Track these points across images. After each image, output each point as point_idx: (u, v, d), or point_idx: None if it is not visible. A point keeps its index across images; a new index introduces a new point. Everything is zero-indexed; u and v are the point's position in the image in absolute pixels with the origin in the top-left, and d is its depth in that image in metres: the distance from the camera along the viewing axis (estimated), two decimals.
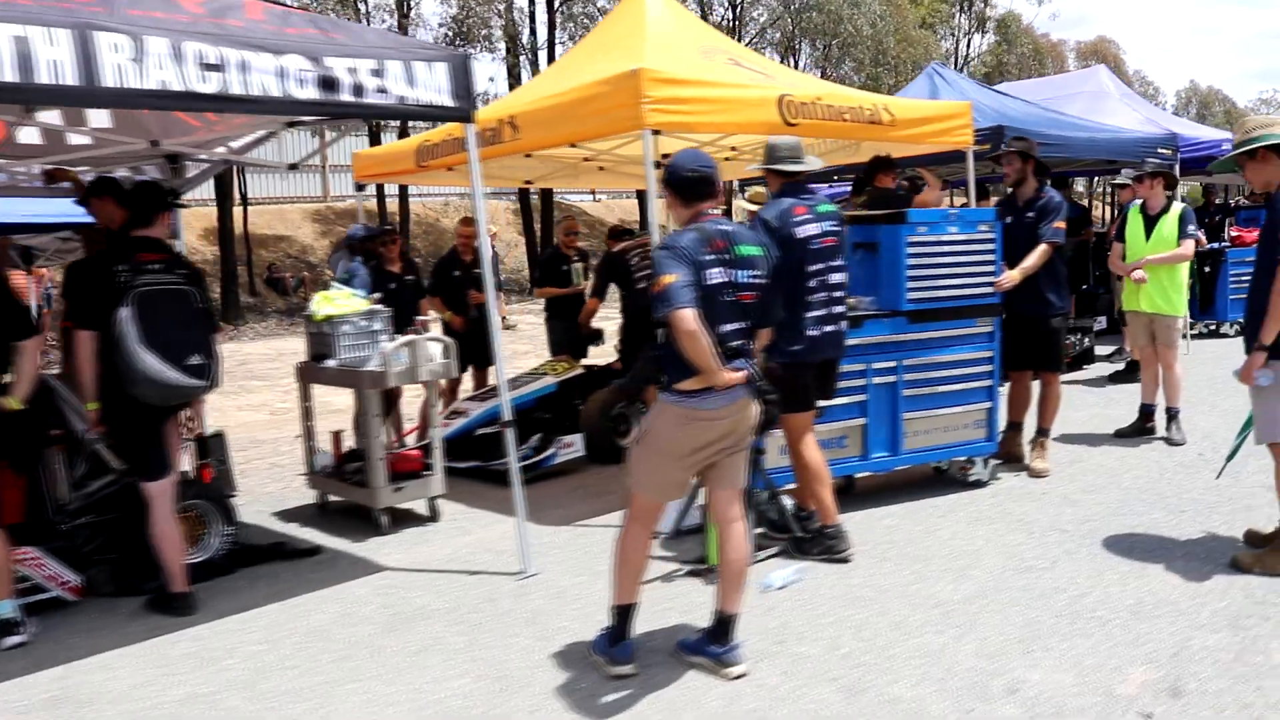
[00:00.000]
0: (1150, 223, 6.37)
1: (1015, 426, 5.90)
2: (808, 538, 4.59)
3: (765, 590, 4.28)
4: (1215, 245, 10.84)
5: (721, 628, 3.58)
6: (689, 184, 3.46)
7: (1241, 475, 5.45)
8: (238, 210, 14.51)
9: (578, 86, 5.31)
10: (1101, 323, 10.16)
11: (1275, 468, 4.25)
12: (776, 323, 3.69)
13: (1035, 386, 5.91)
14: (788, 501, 4.69)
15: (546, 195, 16.55)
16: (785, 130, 5.39)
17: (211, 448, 6.54)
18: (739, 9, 20.84)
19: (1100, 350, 9.70)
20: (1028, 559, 4.52)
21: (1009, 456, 5.83)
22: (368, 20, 16.87)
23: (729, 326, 3.38)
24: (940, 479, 5.67)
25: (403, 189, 15.53)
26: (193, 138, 5.59)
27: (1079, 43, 46.44)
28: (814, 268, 4.41)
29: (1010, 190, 5.77)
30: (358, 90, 4.16)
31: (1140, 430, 6.51)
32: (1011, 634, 3.77)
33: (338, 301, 5.64)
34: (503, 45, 17.19)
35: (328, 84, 4.06)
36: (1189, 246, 6.27)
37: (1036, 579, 4.28)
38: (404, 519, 5.62)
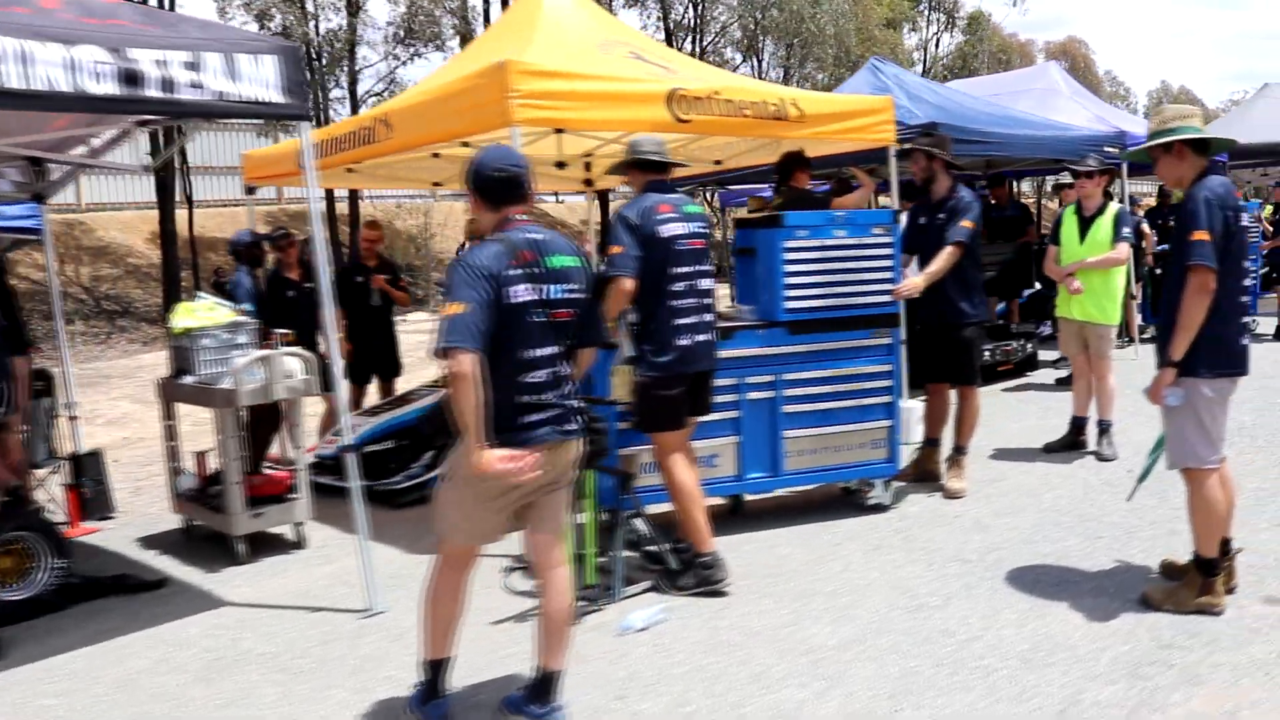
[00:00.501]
0: (1085, 224, 5.86)
1: (932, 443, 5.43)
2: (679, 570, 4.13)
3: (624, 633, 3.82)
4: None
5: (543, 686, 3.11)
6: (495, 186, 2.99)
7: (1168, 496, 4.97)
8: (182, 212, 14.04)
9: (449, 81, 4.86)
10: (1046, 328, 9.68)
11: (1188, 494, 3.79)
12: (601, 342, 3.22)
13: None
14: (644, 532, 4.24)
15: None
16: (675, 128, 4.95)
17: (86, 467, 6.11)
18: (700, 7, 20.42)
19: (1046, 355, 9.20)
20: (921, 595, 4.05)
21: (925, 475, 5.36)
22: (315, 20, 16.46)
23: (539, 351, 2.92)
24: (848, 500, 5.18)
25: (353, 191, 15.07)
26: (43, 137, 5.14)
27: (1048, 42, 45.89)
28: (681, 270, 3.97)
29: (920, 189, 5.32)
30: (167, 85, 3.69)
31: (1071, 444, 6.03)
32: (883, 688, 3.30)
33: (198, 313, 5.17)
34: (455, 45, 16.78)
35: (130, 78, 3.59)
36: (1123, 250, 5.76)
37: (925, 620, 3.81)
38: (270, 545, 5.15)
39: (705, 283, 4.08)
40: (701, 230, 4.08)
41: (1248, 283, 3.71)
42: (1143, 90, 61.77)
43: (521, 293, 2.88)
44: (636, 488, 4.22)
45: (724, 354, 4.48)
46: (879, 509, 4.93)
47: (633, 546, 4.34)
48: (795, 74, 21.76)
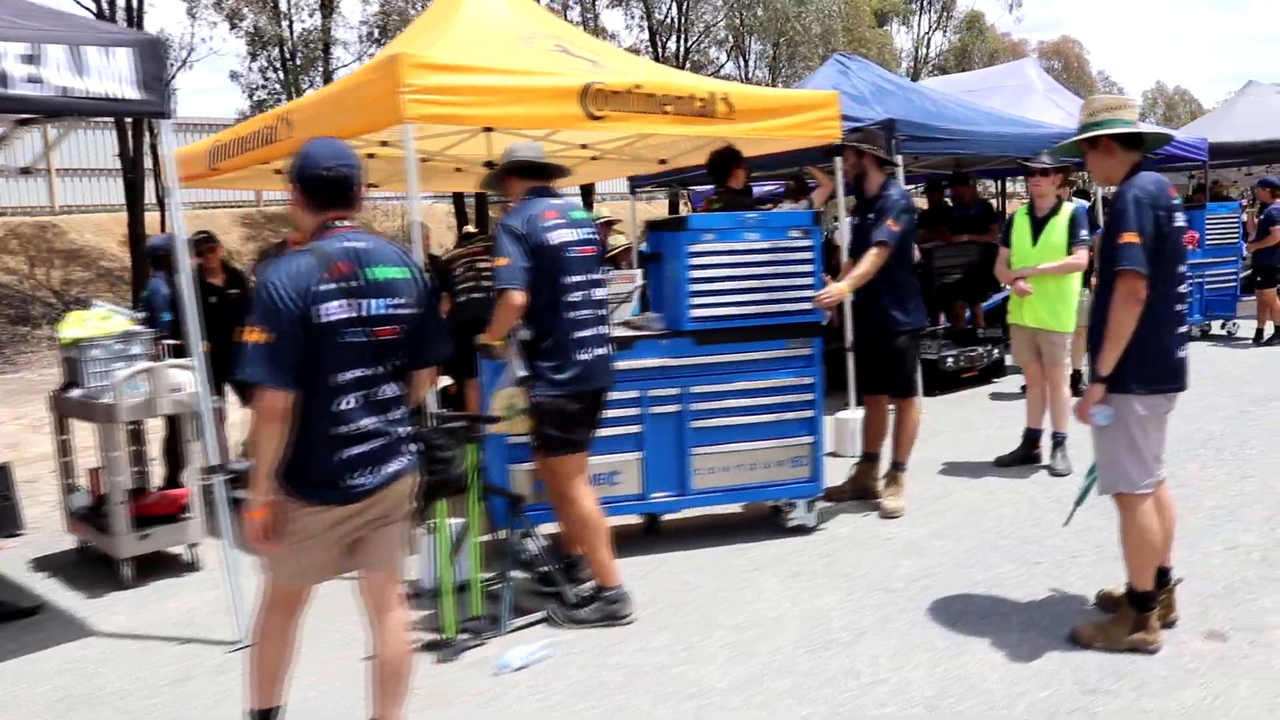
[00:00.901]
0: (1038, 226, 5.42)
1: (870, 458, 5.03)
2: (579, 602, 3.78)
3: (500, 672, 3.46)
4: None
5: None
6: (321, 185, 2.64)
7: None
8: (153, 215, 13.75)
9: (345, 77, 4.52)
10: None
11: (1120, 522, 3.41)
12: (441, 359, 2.87)
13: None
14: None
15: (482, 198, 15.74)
16: (589, 124, 4.59)
17: None
18: (684, 7, 19.97)
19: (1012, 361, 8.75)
20: (833, 629, 3.67)
21: (863, 492, 4.98)
22: (290, 20, 16.15)
23: (355, 373, 2.56)
24: (776, 522, 4.79)
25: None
26: None
27: (1042, 42, 45.12)
28: (574, 279, 3.62)
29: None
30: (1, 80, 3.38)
31: (1024, 458, 5.61)
32: None
33: (89, 323, 4.85)
34: None
35: None
36: (1081, 256, 5.29)
37: (831, 659, 3.44)
38: (164, 567, 4.81)
39: (599, 292, 3.73)
40: (591, 236, 3.72)
41: (1184, 289, 3.32)
42: (1138, 91, 60.93)
43: (334, 310, 2.52)
44: (526, 506, 3.88)
45: (624, 365, 4.14)
46: (803, 531, 4.55)
47: (525, 567, 4.00)
48: (783, 73, 21.34)
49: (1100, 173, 3.42)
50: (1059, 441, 5.43)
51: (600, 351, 3.70)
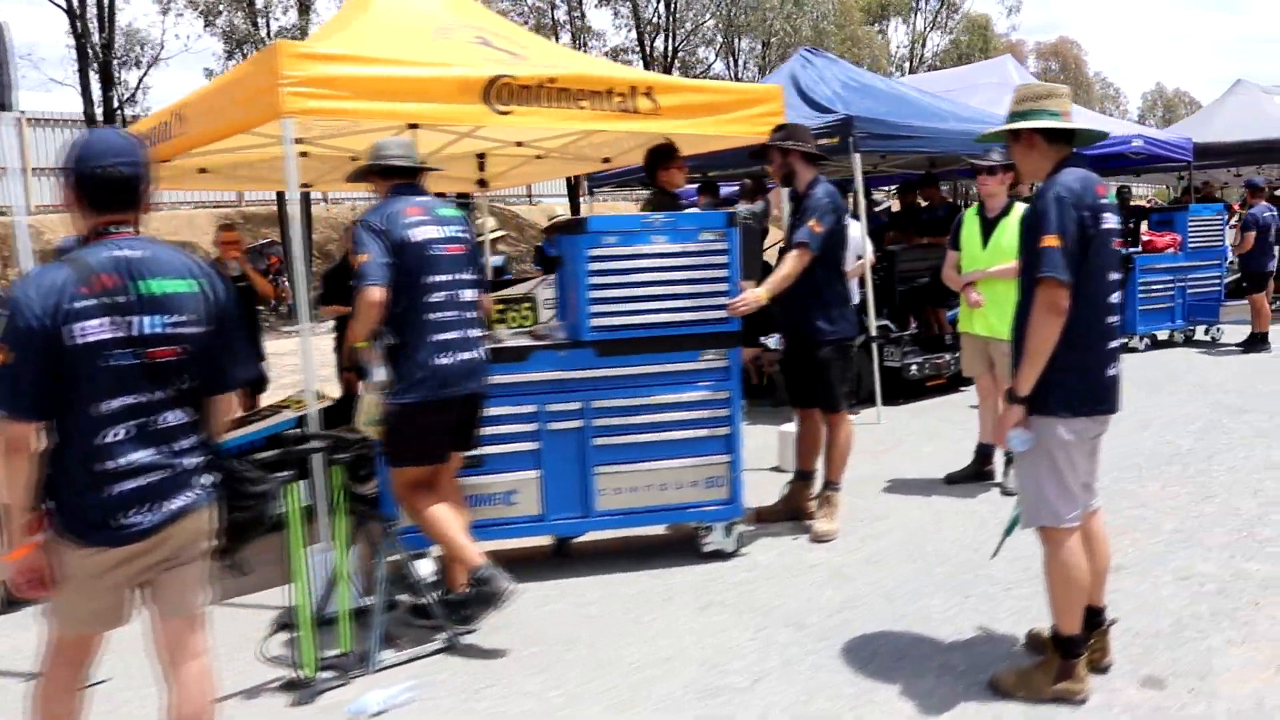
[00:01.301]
0: (988, 227, 4.99)
1: (804, 476, 4.61)
2: (460, 601, 3.50)
3: (354, 717, 3.10)
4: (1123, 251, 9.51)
5: None
6: (97, 185, 2.28)
7: None
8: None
9: (232, 69, 4.17)
10: None
11: (1044, 558, 3.01)
12: (246, 382, 2.51)
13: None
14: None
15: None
16: (495, 119, 4.23)
17: None
18: (672, 6, 19.52)
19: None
20: (730, 671, 3.27)
21: (797, 513, 4.58)
22: (266, 18, 15.75)
23: (124, 400, 2.20)
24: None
25: (305, 193, 14.34)
26: None
27: (1039, 43, 44.27)
28: (436, 279, 3.30)
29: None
30: None
31: (976, 474, 5.18)
32: None
33: None
34: None
35: None
36: None
37: (719, 708, 3.04)
38: None
39: (469, 293, 3.38)
40: (460, 234, 3.37)
41: (1115, 298, 2.90)
42: (1137, 93, 60.02)
43: (93, 330, 2.15)
44: (403, 530, 3.51)
45: (519, 378, 3.80)
46: (721, 557, 4.16)
47: (410, 592, 3.65)
48: (772, 72, 20.88)
49: (1025, 167, 3.02)
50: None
51: (466, 356, 3.34)
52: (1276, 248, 10.13)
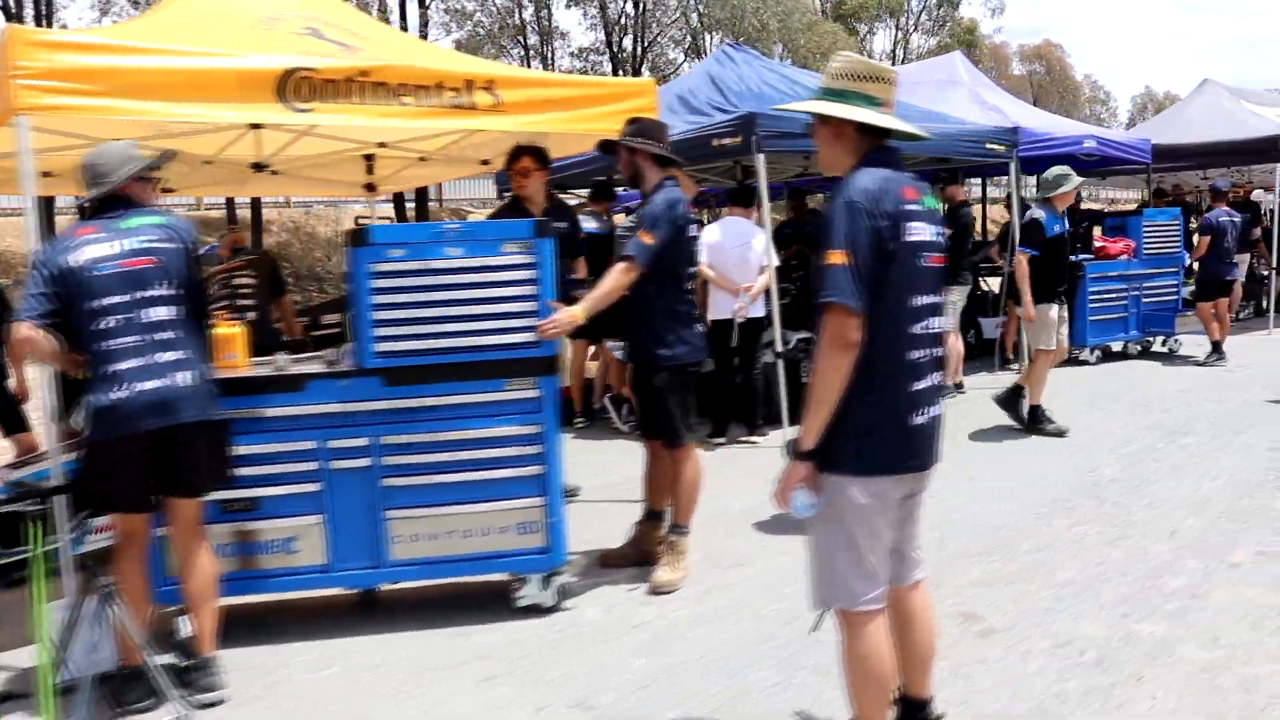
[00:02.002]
0: None
1: (654, 516, 4.00)
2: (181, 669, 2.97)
3: None
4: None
5: None
6: None
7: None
8: (67, 219, 13.00)
9: None
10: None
11: (840, 644, 2.42)
12: None
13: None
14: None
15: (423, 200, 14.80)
16: (293, 117, 3.67)
17: None
18: (641, 5, 18.87)
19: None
20: None
21: (645, 557, 3.98)
22: None
23: None
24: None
25: (254, 197, 13.85)
26: None
27: (1022, 46, 43.08)
28: (104, 302, 2.84)
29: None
30: None
31: None
32: None
33: None
34: None
35: None
36: None
37: None
38: None
39: (160, 312, 2.87)
40: (148, 246, 2.87)
41: (920, 328, 2.28)
42: (1126, 96, 58.81)
43: None
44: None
45: (295, 411, 3.24)
46: (538, 612, 3.59)
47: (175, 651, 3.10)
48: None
49: (823, 159, 2.43)
50: None
51: (149, 386, 2.82)
52: (1242, 255, 9.56)
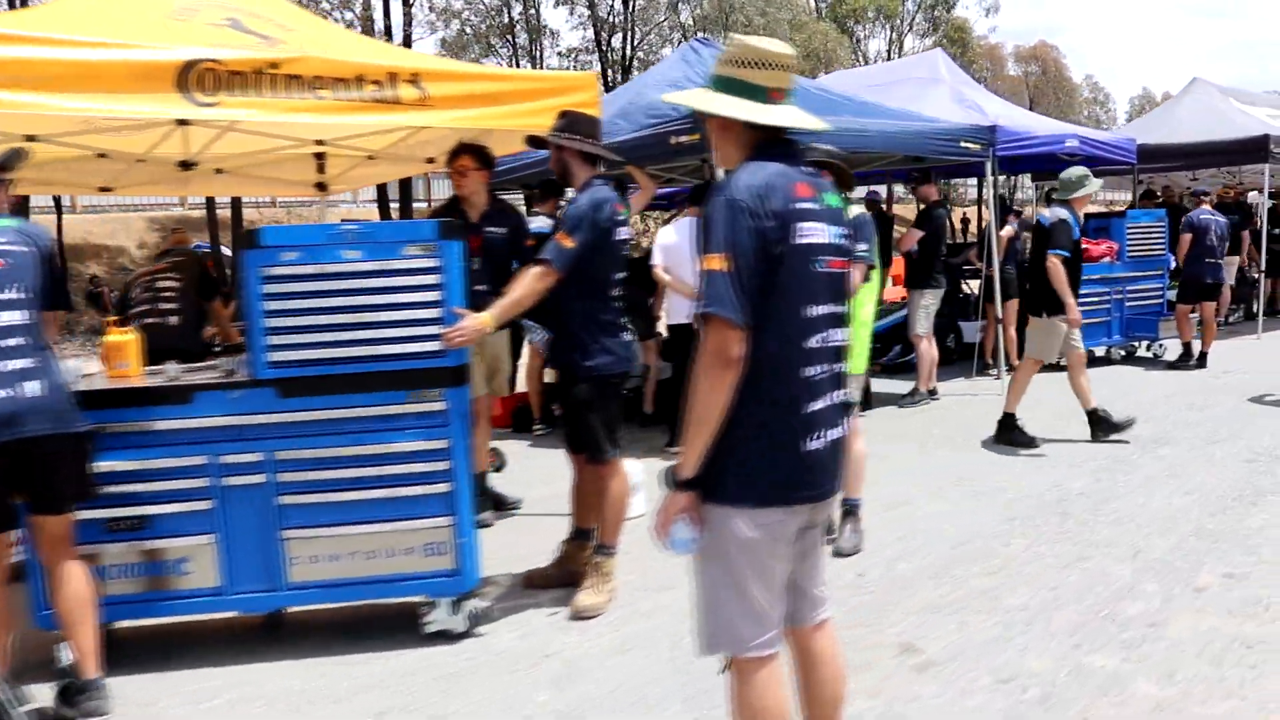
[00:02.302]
0: None
1: (581, 535, 3.75)
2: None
3: None
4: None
5: None
6: None
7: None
8: (46, 217, 12.74)
9: None
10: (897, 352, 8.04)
11: (730, 695, 2.12)
12: None
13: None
14: None
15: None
16: (200, 112, 3.43)
17: None
18: (631, 6, 18.55)
19: (899, 388, 7.43)
20: None
21: (571, 578, 3.71)
22: None
23: None
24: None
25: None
26: None
27: (1018, 46, 42.46)
28: None
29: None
30: None
31: None
32: None
33: None
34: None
35: None
36: (855, 278, 3.90)
37: None
38: None
39: (7, 318, 2.64)
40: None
41: (816, 342, 2.01)
42: (1124, 98, 58.07)
43: None
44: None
45: (184, 424, 3.01)
46: (447, 639, 3.34)
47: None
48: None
49: (717, 153, 2.19)
50: (851, 510, 4.14)
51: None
52: (1231, 257, 9.28)
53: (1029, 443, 5.76)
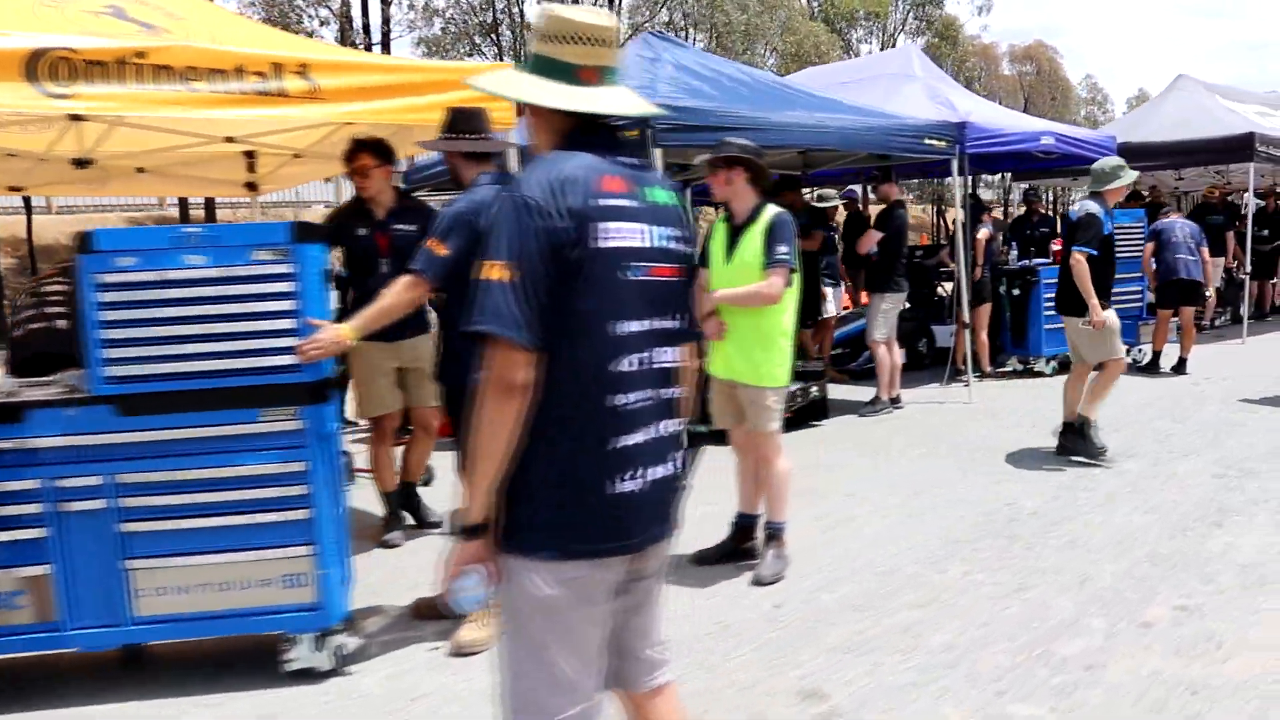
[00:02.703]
0: (734, 237, 3.79)
1: None
2: None
3: None
4: (1024, 262, 8.28)
5: None
6: None
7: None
8: (13, 219, 12.53)
9: None
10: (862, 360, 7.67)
11: None
12: None
13: None
14: None
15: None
16: (44, 104, 3.14)
17: None
18: (617, 5, 18.19)
19: (858, 396, 7.00)
20: None
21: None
22: None
23: None
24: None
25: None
26: None
27: (1012, 46, 41.74)
28: None
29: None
30: None
31: (731, 553, 3.93)
32: None
33: None
34: None
35: None
36: (775, 281, 3.61)
37: None
38: None
39: None
40: None
41: (631, 363, 1.69)
42: (1122, 98, 57.20)
43: None
44: None
45: (13, 444, 2.73)
46: (310, 678, 3.04)
47: None
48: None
49: (533, 145, 1.88)
50: (775, 534, 3.81)
51: None
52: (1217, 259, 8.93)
53: (1100, 451, 5.22)
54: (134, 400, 2.76)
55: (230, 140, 4.90)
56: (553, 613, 1.69)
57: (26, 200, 11.65)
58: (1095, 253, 5.11)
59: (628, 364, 1.69)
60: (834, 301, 7.69)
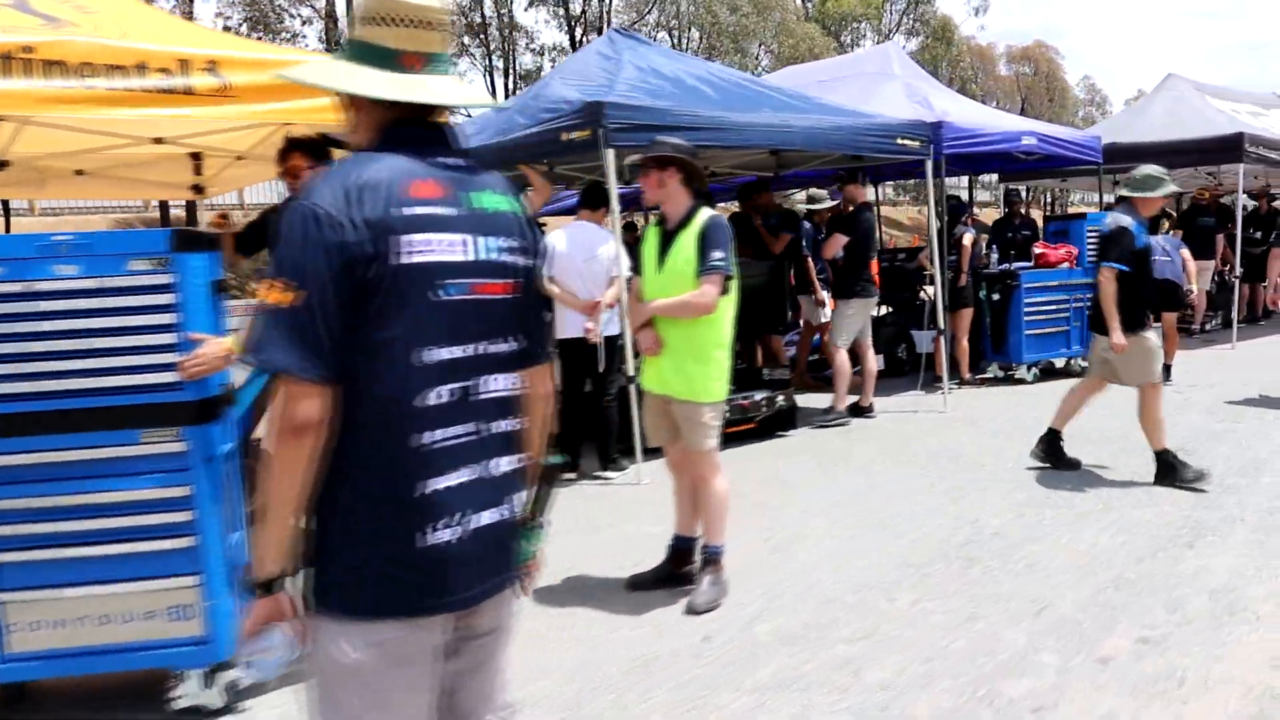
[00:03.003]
0: (666, 243, 3.54)
1: None
2: None
3: None
4: (1005, 266, 8.03)
5: None
6: None
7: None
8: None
9: None
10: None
11: None
12: None
13: None
14: None
15: None
16: None
17: None
18: (607, 5, 18.02)
19: (826, 403, 6.78)
20: None
21: None
22: None
23: None
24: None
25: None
26: None
27: (1009, 46, 41.32)
28: None
29: None
30: None
31: (667, 577, 3.70)
32: None
33: None
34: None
35: None
36: (709, 291, 3.37)
37: None
38: None
39: None
40: None
41: (446, 394, 1.48)
42: (1120, 98, 56.59)
43: None
44: None
45: None
46: (201, 715, 2.86)
47: None
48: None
49: (353, 143, 1.67)
50: (712, 558, 3.60)
51: None
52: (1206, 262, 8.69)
53: (1198, 476, 4.79)
54: (2, 421, 2.57)
55: (159, 141, 4.70)
56: (364, 679, 1.48)
57: (5, 203, 11.50)
58: (1126, 269, 4.75)
59: (436, 396, 1.49)
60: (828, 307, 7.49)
